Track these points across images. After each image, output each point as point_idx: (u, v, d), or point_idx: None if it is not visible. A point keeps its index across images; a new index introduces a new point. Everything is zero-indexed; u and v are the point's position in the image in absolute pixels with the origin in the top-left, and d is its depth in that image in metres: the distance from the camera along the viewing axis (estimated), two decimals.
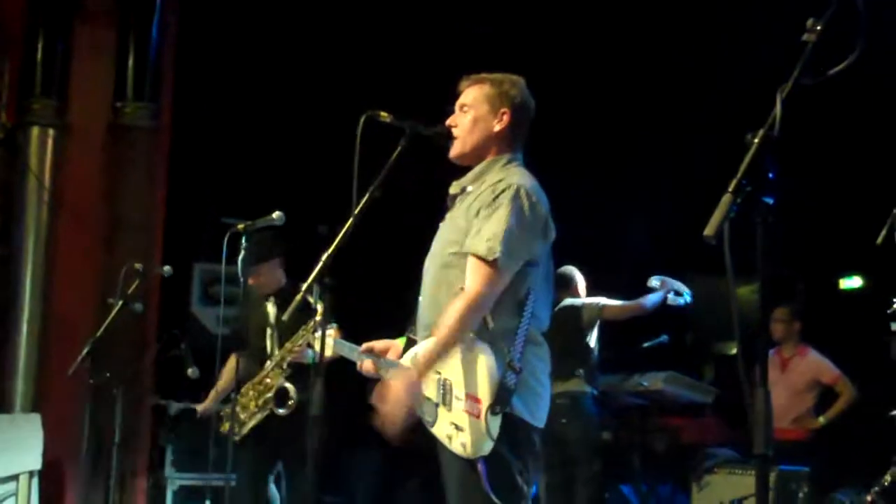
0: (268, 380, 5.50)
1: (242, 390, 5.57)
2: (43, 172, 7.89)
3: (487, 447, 3.33)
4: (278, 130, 8.54)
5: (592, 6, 8.21)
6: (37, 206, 7.86)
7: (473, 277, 3.39)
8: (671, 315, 7.44)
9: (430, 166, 3.76)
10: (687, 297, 6.55)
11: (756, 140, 2.10)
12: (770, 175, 2.11)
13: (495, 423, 3.32)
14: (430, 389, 3.48)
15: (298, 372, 5.48)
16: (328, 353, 3.71)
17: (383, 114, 3.62)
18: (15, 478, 6.99)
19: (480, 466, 3.35)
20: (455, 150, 3.68)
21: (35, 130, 7.96)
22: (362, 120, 3.56)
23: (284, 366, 5.48)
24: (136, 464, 7.89)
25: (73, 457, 7.47)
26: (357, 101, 3.82)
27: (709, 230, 2.05)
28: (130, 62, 8.14)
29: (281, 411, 5.44)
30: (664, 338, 7.13)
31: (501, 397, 3.32)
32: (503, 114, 3.62)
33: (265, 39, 8.41)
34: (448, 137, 3.68)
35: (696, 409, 8.07)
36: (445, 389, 3.43)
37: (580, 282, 6.80)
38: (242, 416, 5.55)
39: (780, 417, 7.16)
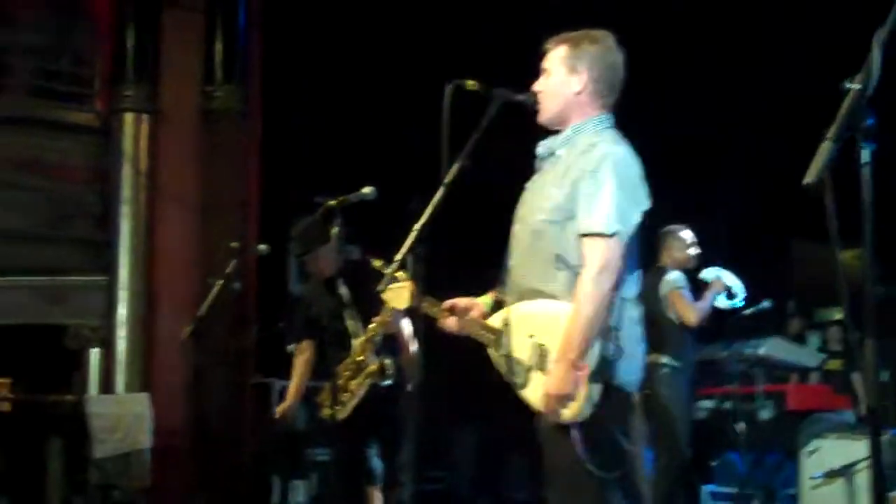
0: (360, 358, 5.49)
1: (337, 372, 5.57)
2: (138, 158, 8.06)
3: (585, 413, 3.29)
4: (367, 106, 8.56)
5: None
6: (133, 191, 8.04)
7: (598, 254, 3.31)
8: (773, 279, 7.33)
9: (521, 133, 3.70)
10: (740, 298, 6.48)
11: (854, 86, 2.03)
12: (869, 122, 2.03)
13: (595, 390, 3.28)
14: (523, 352, 3.45)
15: (388, 346, 5.48)
16: (403, 304, 3.71)
17: (470, 82, 3.58)
18: (127, 456, 7.16)
19: (576, 432, 3.31)
20: (541, 116, 3.61)
21: (129, 117, 8.15)
22: (449, 89, 3.52)
23: (376, 340, 5.47)
24: (242, 441, 8.00)
25: (179, 435, 7.62)
26: (444, 70, 3.77)
27: (809, 177, 1.99)
28: (218, 46, 8.25)
29: (386, 383, 5.43)
30: (766, 303, 6.99)
31: (601, 366, 3.29)
32: (581, 75, 3.50)
33: (350, 17, 8.43)
34: (536, 103, 3.62)
35: (802, 375, 7.92)
36: (541, 354, 3.39)
37: (673, 244, 6.69)
38: (343, 398, 5.56)
39: None
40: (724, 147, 8.93)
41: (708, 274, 6.61)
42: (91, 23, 8.49)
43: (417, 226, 3.43)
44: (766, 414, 7.52)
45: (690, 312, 6.44)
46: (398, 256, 3.46)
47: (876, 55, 2.04)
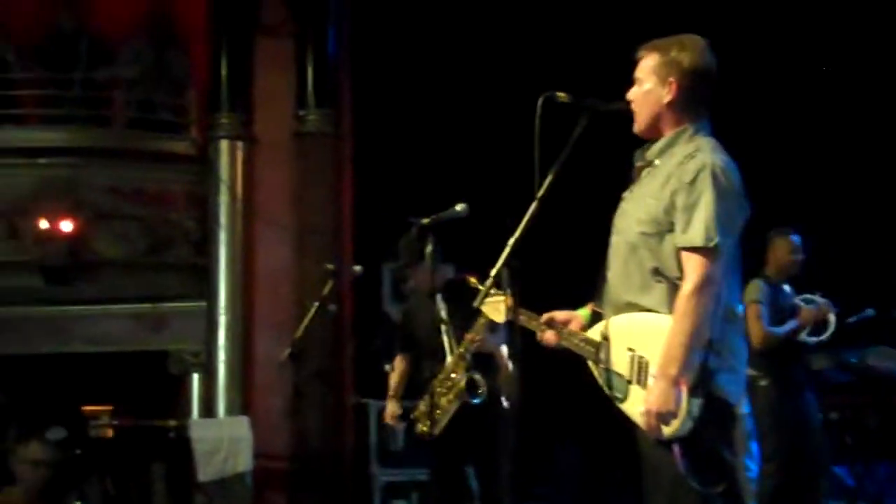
0: (453, 374, 5.48)
1: (431, 388, 5.57)
2: (234, 183, 8.21)
3: (685, 429, 3.23)
4: (457, 124, 8.57)
5: None
6: (230, 217, 8.18)
7: (696, 268, 3.25)
8: (876, 287, 7.14)
9: (613, 144, 3.66)
10: (827, 335, 6.30)
11: None
12: None
13: (696, 405, 3.22)
14: (622, 365, 3.40)
15: (484, 364, 5.47)
16: (501, 318, 3.69)
17: (561, 94, 3.55)
18: (229, 479, 7.25)
19: (678, 447, 3.25)
20: (636, 126, 3.55)
21: (224, 144, 8.31)
22: (540, 102, 3.50)
23: (468, 357, 5.46)
24: (342, 461, 8.05)
25: (279, 457, 7.69)
26: (534, 85, 3.75)
27: None
28: (310, 71, 8.36)
29: (476, 401, 5.41)
30: (870, 311, 6.81)
31: (702, 378, 3.22)
32: (671, 83, 3.43)
33: (436, 37, 8.47)
34: (629, 112, 3.58)
35: None
36: (640, 367, 3.34)
37: (777, 247, 6.53)
38: (436, 415, 5.55)
39: None
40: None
41: (805, 300, 6.37)
42: (185, 52, 8.68)
43: (511, 240, 3.43)
44: (873, 423, 7.33)
45: (756, 333, 6.17)
46: (493, 271, 3.46)
47: None
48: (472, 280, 4.41)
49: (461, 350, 5.44)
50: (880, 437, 7.25)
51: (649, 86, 3.48)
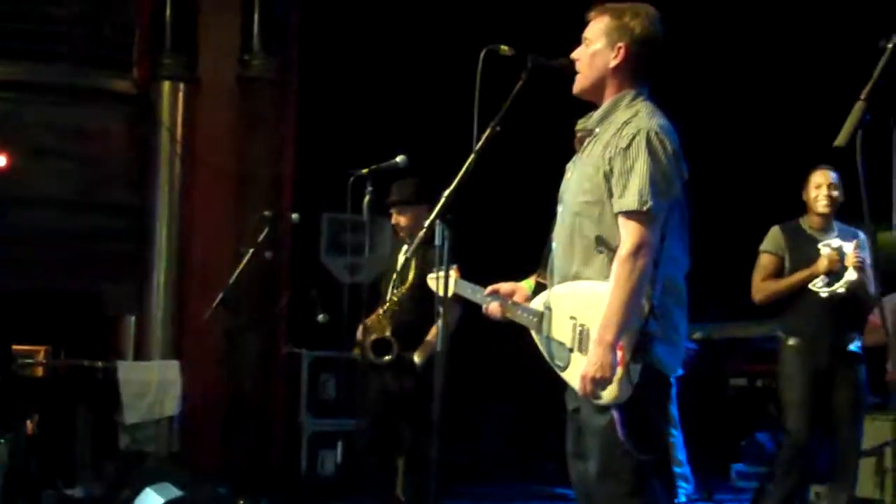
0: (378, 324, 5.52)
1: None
2: (175, 126, 8.11)
3: (625, 394, 3.23)
4: (401, 75, 8.54)
5: None
6: (170, 159, 8.09)
7: (631, 232, 3.25)
8: None
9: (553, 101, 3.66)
10: (842, 284, 5.55)
11: (890, 45, 1.98)
12: None
13: (635, 370, 3.22)
14: (564, 334, 3.41)
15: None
16: (450, 292, 3.68)
17: (504, 47, 3.55)
18: (156, 423, 7.22)
19: (616, 414, 3.27)
20: (576, 86, 3.53)
21: (166, 85, 8.19)
22: (483, 54, 3.49)
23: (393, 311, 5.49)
24: (272, 409, 8.04)
25: (210, 402, 7.67)
26: (479, 37, 3.73)
27: (840, 139, 1.94)
28: (256, 16, 8.26)
29: (383, 359, 5.44)
30: None
31: (642, 344, 3.23)
32: (619, 48, 3.41)
33: None
34: (572, 71, 3.56)
35: None
36: (582, 335, 3.35)
37: (810, 182, 5.75)
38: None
39: None
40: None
41: (827, 246, 5.61)
42: None
43: (446, 192, 3.42)
44: None
45: (755, 284, 5.76)
46: (426, 222, 3.46)
47: None
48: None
49: (390, 302, 5.47)
50: None
51: (598, 47, 3.46)
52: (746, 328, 7.41)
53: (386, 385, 5.54)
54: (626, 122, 3.37)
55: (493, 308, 3.69)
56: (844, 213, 5.64)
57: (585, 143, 3.54)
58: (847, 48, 5.59)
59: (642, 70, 3.48)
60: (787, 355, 5.65)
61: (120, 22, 8.48)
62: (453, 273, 3.73)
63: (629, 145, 3.31)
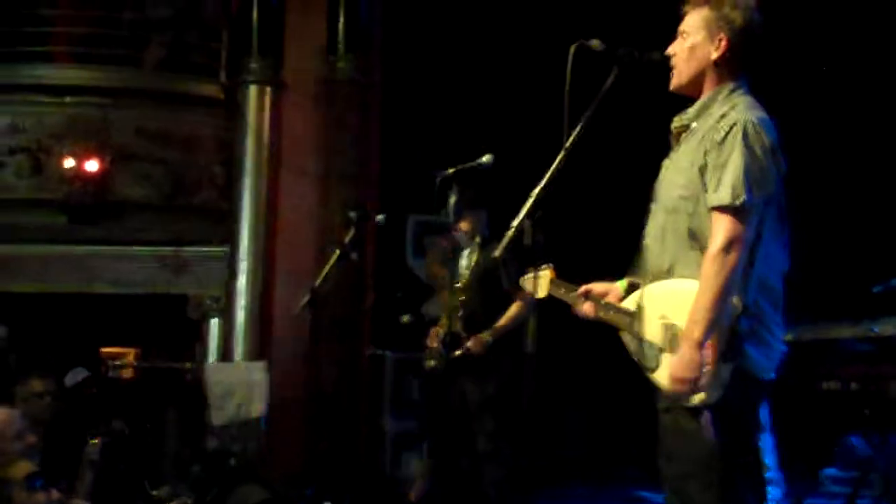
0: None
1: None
2: (261, 129, 8.16)
3: (715, 395, 3.15)
4: (487, 74, 8.50)
5: None
6: (256, 162, 8.14)
7: (723, 228, 3.16)
8: None
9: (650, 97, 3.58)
10: None
11: None
12: None
13: (726, 371, 3.14)
14: (655, 333, 3.33)
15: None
16: (541, 293, 3.63)
17: (594, 42, 3.47)
18: (243, 424, 7.26)
19: (707, 415, 3.19)
20: (674, 82, 3.46)
21: (253, 88, 8.24)
22: (572, 50, 3.42)
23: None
24: (355, 411, 8.06)
25: (294, 403, 7.70)
26: (567, 33, 3.66)
27: None
28: (341, 18, 8.28)
29: (454, 353, 5.46)
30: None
31: (733, 344, 3.14)
32: (720, 40, 3.33)
33: None
34: (668, 65, 3.48)
35: None
36: (673, 335, 3.26)
37: None
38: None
39: None
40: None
41: None
42: None
43: (535, 191, 3.36)
44: (893, 394, 7.23)
45: None
46: (515, 222, 3.39)
47: None
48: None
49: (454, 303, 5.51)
50: None
51: (697, 40, 3.38)
52: (838, 330, 7.23)
53: (464, 391, 5.54)
54: (722, 116, 3.30)
55: (586, 308, 3.62)
56: None
57: (682, 139, 3.46)
58: None
59: (743, 62, 3.40)
60: None
61: (206, 26, 8.60)
62: (549, 272, 3.68)
63: (725, 138, 3.23)
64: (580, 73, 3.42)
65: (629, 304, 3.49)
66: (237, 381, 7.28)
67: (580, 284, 3.68)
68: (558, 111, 3.38)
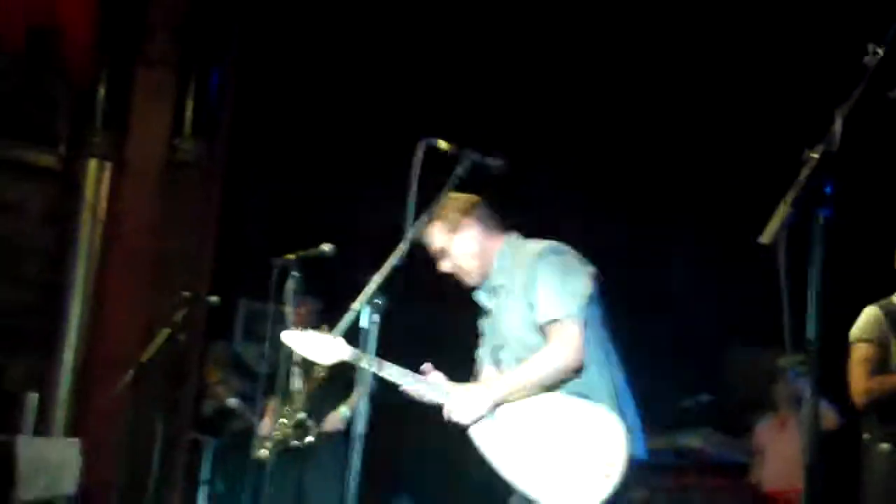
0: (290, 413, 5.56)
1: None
2: (98, 203, 8.07)
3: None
4: (331, 166, 8.65)
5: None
6: (90, 236, 8.02)
7: (555, 339, 3.51)
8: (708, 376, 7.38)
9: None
10: None
11: (815, 155, 2.15)
12: (827, 189, 2.16)
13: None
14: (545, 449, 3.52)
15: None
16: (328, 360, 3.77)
17: (442, 142, 3.65)
18: (49, 501, 7.03)
19: None
20: (472, 282, 3.83)
21: (93, 162, 8.16)
22: (421, 146, 3.59)
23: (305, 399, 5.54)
24: (172, 497, 7.90)
25: (108, 484, 7.51)
26: (408, 130, 3.85)
27: (765, 237, 2.09)
28: (189, 101, 8.33)
29: (303, 441, 5.47)
30: (705, 397, 7.08)
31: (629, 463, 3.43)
32: (468, 229, 3.77)
33: (320, 75, 8.57)
34: (505, 171, 3.71)
35: (736, 470, 7.96)
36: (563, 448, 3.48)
37: None
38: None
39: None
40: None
41: None
42: (64, 70, 8.53)
43: (377, 277, 3.48)
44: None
45: (858, 383, 4.71)
46: (355, 305, 3.50)
47: (837, 126, 2.16)
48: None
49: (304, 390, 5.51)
50: None
51: (455, 244, 3.77)
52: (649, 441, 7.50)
53: (301, 478, 5.55)
54: (520, 263, 3.66)
55: (415, 388, 3.78)
56: None
57: (499, 297, 3.76)
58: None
59: (496, 221, 3.83)
60: (878, 464, 4.60)
61: (48, 96, 8.49)
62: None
63: (531, 270, 3.59)
64: (425, 167, 3.59)
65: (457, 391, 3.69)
66: (49, 457, 7.07)
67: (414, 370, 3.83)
68: (401, 203, 3.52)
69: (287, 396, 5.57)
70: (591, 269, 3.66)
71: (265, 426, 5.77)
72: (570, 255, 3.65)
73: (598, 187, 8.16)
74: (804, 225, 2.12)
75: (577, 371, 3.51)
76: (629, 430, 3.49)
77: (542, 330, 3.56)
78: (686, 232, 8.38)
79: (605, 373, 3.57)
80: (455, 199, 3.76)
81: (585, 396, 3.50)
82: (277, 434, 5.52)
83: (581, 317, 3.51)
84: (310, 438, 5.51)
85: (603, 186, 8.25)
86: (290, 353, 5.60)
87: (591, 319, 3.57)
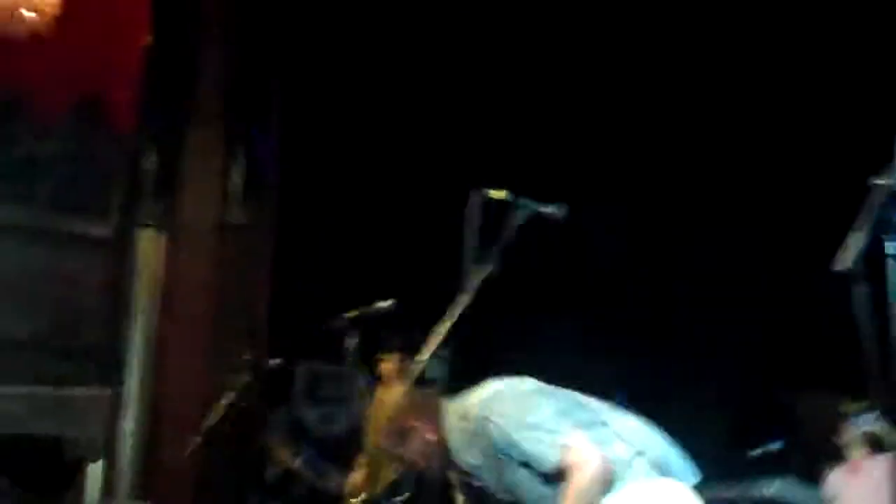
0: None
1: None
2: (152, 271, 8.09)
3: None
4: (384, 223, 8.64)
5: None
6: (145, 304, 8.04)
7: None
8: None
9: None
10: None
11: (882, 182, 2.07)
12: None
13: None
14: None
15: None
16: None
17: (494, 191, 3.62)
18: None
19: None
20: None
21: (145, 231, 8.19)
22: (476, 197, 3.56)
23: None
24: None
25: None
26: (460, 179, 3.81)
27: (842, 264, 2.00)
28: (238, 164, 8.37)
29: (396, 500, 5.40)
30: (778, 443, 6.91)
31: None
32: None
33: (368, 132, 8.59)
34: (561, 218, 3.64)
35: None
36: None
37: None
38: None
39: None
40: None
41: None
42: (114, 137, 8.60)
43: (441, 329, 3.44)
44: None
45: None
46: (422, 357, 3.46)
47: None
48: None
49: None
50: None
51: None
52: (719, 490, 7.36)
53: None
54: None
55: None
56: None
57: None
58: None
59: None
60: None
61: (100, 167, 8.56)
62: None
63: None
64: (481, 218, 3.54)
65: None
66: None
67: None
68: (457, 255, 3.48)
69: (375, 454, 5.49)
70: None
71: (353, 482, 5.70)
72: None
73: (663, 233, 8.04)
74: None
75: None
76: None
77: None
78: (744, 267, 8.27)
79: None
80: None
81: None
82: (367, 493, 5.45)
83: None
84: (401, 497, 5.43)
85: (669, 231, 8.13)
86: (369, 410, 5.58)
87: None
